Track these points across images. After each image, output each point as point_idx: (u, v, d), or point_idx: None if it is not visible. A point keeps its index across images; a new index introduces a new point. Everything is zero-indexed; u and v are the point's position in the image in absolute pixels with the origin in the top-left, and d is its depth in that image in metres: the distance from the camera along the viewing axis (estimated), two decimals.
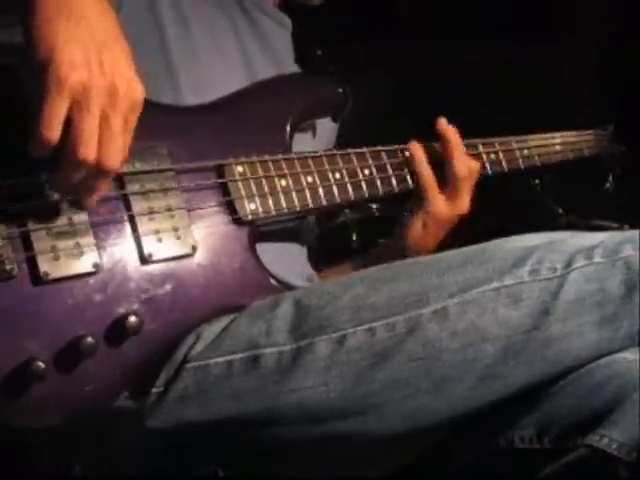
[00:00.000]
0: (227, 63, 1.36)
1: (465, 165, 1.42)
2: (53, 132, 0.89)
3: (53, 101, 0.88)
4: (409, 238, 1.43)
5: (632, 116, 2.03)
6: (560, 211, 2.02)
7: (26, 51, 0.91)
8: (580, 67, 2.38)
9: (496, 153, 1.57)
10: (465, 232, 1.44)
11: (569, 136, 1.81)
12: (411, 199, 1.44)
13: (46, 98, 0.88)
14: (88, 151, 0.90)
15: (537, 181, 1.97)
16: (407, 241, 1.43)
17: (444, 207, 1.41)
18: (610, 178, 1.96)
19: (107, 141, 0.92)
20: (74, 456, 1.11)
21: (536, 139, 1.69)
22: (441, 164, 1.43)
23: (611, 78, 2.32)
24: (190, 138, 1.18)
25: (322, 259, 1.54)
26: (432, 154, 1.44)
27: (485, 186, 1.50)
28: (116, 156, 0.93)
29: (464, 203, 1.42)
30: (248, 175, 1.20)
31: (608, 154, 1.94)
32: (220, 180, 1.17)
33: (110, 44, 0.94)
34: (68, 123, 0.90)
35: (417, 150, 1.42)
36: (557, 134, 1.77)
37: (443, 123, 1.45)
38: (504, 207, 1.51)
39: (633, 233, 1.06)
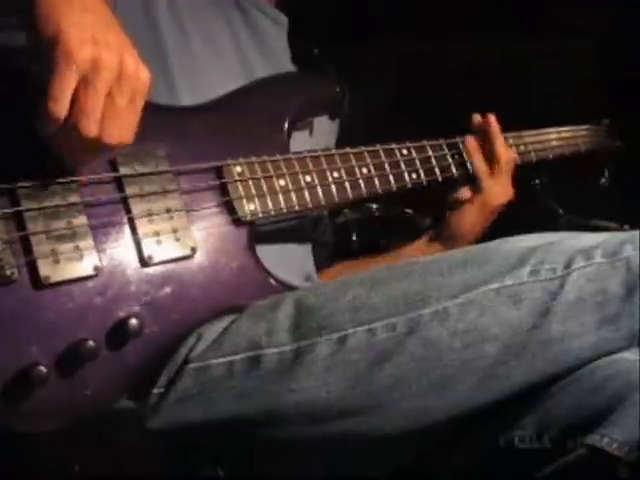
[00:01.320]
0: (224, 64, 1.35)
1: (506, 148, 1.54)
2: (62, 107, 0.89)
3: (63, 76, 0.88)
4: (463, 227, 1.51)
5: (628, 111, 2.03)
6: (560, 211, 2.02)
7: (31, 35, 0.91)
8: (576, 64, 2.38)
9: None
10: None
11: (564, 131, 1.81)
12: (453, 193, 1.53)
13: (55, 73, 0.88)
14: (91, 127, 0.91)
15: (537, 181, 1.98)
16: (460, 230, 1.51)
17: (496, 192, 1.52)
18: (606, 174, 1.96)
19: (110, 118, 0.92)
20: (74, 456, 1.11)
21: (532, 135, 1.70)
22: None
23: (606, 74, 2.32)
24: (188, 139, 1.17)
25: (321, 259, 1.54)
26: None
27: None
28: (117, 133, 0.93)
29: (509, 189, 1.54)
30: (247, 175, 1.19)
31: (604, 149, 1.94)
32: (219, 181, 1.17)
33: (115, 28, 0.95)
34: (72, 100, 0.89)
35: (471, 141, 1.53)
36: (552, 129, 1.77)
37: (479, 116, 1.57)
38: (504, 207, 1.53)
39: (633, 233, 1.05)
